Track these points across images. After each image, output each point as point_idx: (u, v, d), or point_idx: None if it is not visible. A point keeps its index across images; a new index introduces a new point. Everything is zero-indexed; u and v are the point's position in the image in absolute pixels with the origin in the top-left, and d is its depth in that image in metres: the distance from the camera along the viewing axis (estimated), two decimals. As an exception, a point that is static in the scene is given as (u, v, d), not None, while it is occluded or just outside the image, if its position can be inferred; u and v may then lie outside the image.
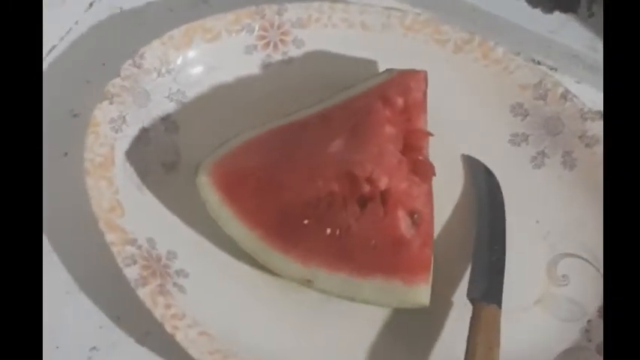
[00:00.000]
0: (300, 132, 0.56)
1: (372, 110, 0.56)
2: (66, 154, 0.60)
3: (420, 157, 0.55)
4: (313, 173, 0.53)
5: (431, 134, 0.57)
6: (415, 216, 0.52)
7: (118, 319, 0.55)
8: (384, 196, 0.52)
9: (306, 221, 0.52)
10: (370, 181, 0.52)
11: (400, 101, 0.56)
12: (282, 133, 0.57)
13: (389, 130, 0.54)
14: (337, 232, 0.52)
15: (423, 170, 0.54)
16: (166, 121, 0.61)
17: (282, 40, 0.64)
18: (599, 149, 0.60)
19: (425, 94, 0.58)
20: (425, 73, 0.59)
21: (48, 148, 0.59)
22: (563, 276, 0.58)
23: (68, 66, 0.66)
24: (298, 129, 0.57)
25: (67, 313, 0.55)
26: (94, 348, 0.54)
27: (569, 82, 0.66)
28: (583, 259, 0.59)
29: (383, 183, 0.52)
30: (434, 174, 0.56)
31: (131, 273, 0.52)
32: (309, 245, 0.53)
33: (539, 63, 0.69)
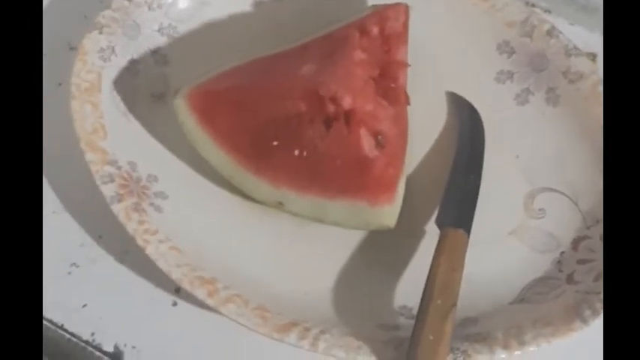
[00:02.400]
0: (279, 60, 0.57)
1: (348, 38, 0.56)
2: (60, 84, 0.62)
3: (393, 85, 0.56)
4: (282, 94, 0.54)
5: (408, 65, 0.58)
6: (379, 137, 0.53)
7: (99, 238, 0.57)
8: (348, 116, 0.52)
9: (275, 142, 0.54)
10: (334, 100, 0.52)
11: (376, 30, 0.57)
12: (262, 62, 0.58)
13: (359, 55, 0.55)
14: (304, 153, 0.53)
15: (393, 96, 0.55)
16: (156, 54, 0.63)
17: (274, -23, 0.66)
18: (583, 85, 0.60)
19: (405, 26, 0.59)
20: (405, 5, 0.60)
21: (45, 78, 0.62)
22: (540, 209, 0.58)
23: (67, 2, 0.68)
24: (278, 57, 0.58)
25: (51, 231, 0.56)
26: (74, 264, 0.56)
27: (562, 24, 0.67)
28: (561, 193, 0.59)
29: (346, 103, 0.52)
30: (408, 102, 0.57)
31: (107, 190, 0.53)
32: (278, 167, 0.54)
33: (533, 5, 0.68)
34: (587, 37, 0.64)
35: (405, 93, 0.57)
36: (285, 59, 0.57)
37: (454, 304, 0.49)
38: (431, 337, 0.47)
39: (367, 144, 0.53)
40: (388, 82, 0.56)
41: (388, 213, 0.53)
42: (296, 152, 0.53)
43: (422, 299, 0.50)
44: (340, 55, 0.55)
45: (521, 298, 0.54)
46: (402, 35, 0.59)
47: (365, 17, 0.59)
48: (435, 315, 0.49)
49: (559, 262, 0.56)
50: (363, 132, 0.52)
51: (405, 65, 0.58)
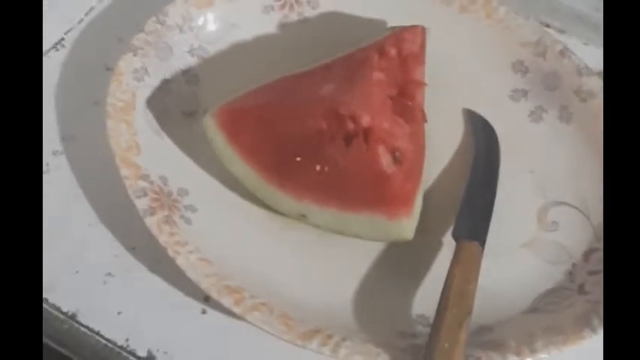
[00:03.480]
0: (303, 79, 0.60)
1: (367, 60, 0.59)
2: (97, 102, 0.65)
3: (410, 103, 0.58)
4: (305, 112, 0.57)
5: (425, 84, 0.61)
6: (397, 154, 0.56)
7: (133, 249, 0.59)
8: (367, 134, 0.55)
9: (298, 158, 0.56)
10: (354, 119, 0.55)
11: (394, 51, 0.60)
12: (287, 82, 0.61)
13: (377, 75, 0.58)
14: (325, 168, 0.56)
15: (409, 114, 0.58)
16: (187, 73, 0.66)
17: (297, 1, 0.69)
18: (594, 103, 0.63)
19: (422, 47, 0.62)
20: (422, 27, 0.62)
21: (81, 97, 0.66)
22: (553, 222, 0.61)
23: (104, 25, 0.71)
24: (301, 78, 0.61)
25: (87, 243, 0.60)
26: (109, 274, 0.59)
27: (576, 44, 0.69)
28: (573, 207, 0.61)
29: (365, 121, 0.55)
30: (425, 120, 0.59)
31: (141, 204, 0.56)
32: (301, 181, 0.57)
33: (547, 26, 0.71)
34: (601, 56, 0.66)
35: (422, 111, 0.59)
36: (307, 79, 0.60)
37: (469, 313, 0.52)
38: (446, 345, 0.50)
39: (385, 160, 0.55)
40: (406, 100, 0.59)
41: (406, 226, 0.55)
42: (317, 168, 0.56)
43: (438, 308, 0.52)
44: (360, 75, 0.58)
45: (534, 308, 0.56)
46: (419, 56, 0.61)
47: (383, 39, 0.61)
48: (451, 323, 0.51)
49: (570, 273, 0.58)
50: (381, 149, 0.55)
51: (422, 84, 0.61)
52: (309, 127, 0.56)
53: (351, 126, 0.55)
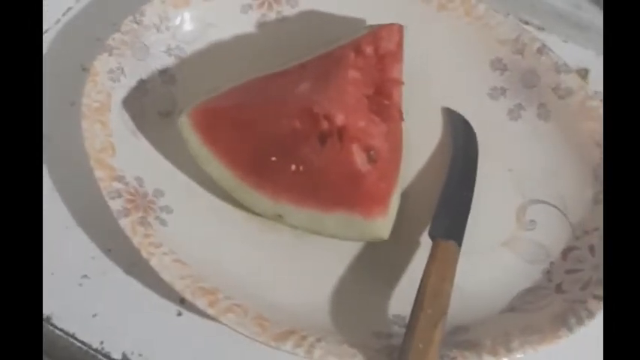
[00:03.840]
0: (278, 79, 0.60)
1: (343, 58, 0.59)
2: (73, 103, 0.65)
3: (386, 102, 0.58)
4: (279, 112, 0.56)
5: (402, 83, 0.60)
6: (371, 152, 0.55)
7: (108, 251, 0.59)
8: (341, 133, 0.55)
9: (273, 158, 0.56)
10: (328, 117, 0.55)
11: (370, 50, 0.60)
12: (262, 81, 0.60)
13: (353, 74, 0.58)
14: (301, 167, 0.55)
15: (385, 112, 0.57)
16: (164, 74, 0.65)
17: (276, 0, 0.68)
18: (572, 101, 0.63)
19: (399, 45, 0.62)
20: (399, 25, 0.62)
21: (58, 98, 0.65)
22: (531, 221, 0.60)
23: (81, 25, 0.71)
24: (277, 77, 0.60)
25: (63, 245, 0.59)
26: (85, 276, 0.58)
27: (556, 41, 0.69)
28: (551, 205, 0.61)
29: (339, 120, 0.55)
30: (402, 119, 0.59)
31: (115, 205, 0.56)
32: (277, 181, 0.56)
33: (527, 23, 0.71)
34: (581, 53, 0.66)
35: (399, 109, 0.59)
36: (283, 78, 0.60)
37: (444, 313, 0.51)
38: (420, 346, 0.49)
39: (359, 159, 0.55)
40: (382, 99, 0.59)
41: (381, 225, 0.55)
42: (293, 167, 0.56)
43: (412, 309, 0.52)
44: (335, 74, 0.58)
45: (512, 307, 0.56)
46: (397, 54, 0.61)
47: (360, 37, 0.61)
48: (425, 324, 0.50)
49: (548, 272, 0.58)
50: (356, 148, 0.55)
51: (399, 83, 0.60)
52: (283, 126, 0.56)
53: (325, 125, 0.55)
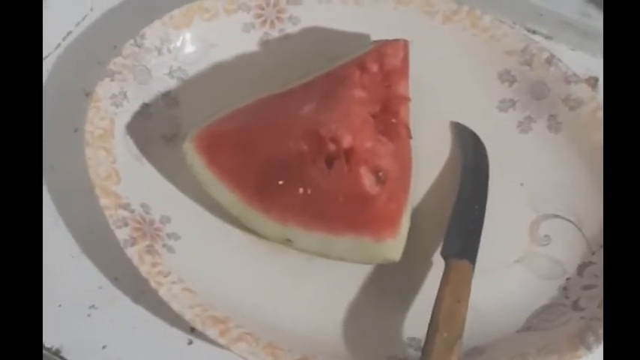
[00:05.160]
0: (283, 99, 0.59)
1: (348, 77, 0.58)
2: (76, 130, 0.64)
3: (393, 120, 0.57)
4: (285, 134, 0.55)
5: (409, 99, 0.59)
6: (380, 174, 0.54)
7: (116, 280, 0.58)
8: (348, 154, 0.54)
9: (280, 181, 0.55)
10: (334, 140, 0.54)
11: (375, 67, 0.59)
12: (266, 102, 0.59)
13: (358, 93, 0.57)
14: (308, 190, 0.54)
15: (392, 131, 0.56)
16: (167, 96, 0.64)
17: (278, 18, 0.67)
18: (583, 111, 0.61)
19: (405, 61, 0.61)
20: (404, 41, 0.61)
21: (60, 125, 0.64)
22: (545, 236, 0.59)
23: (82, 49, 0.70)
24: (281, 98, 0.60)
25: (70, 275, 0.58)
26: (93, 306, 0.57)
27: (564, 50, 0.68)
28: (565, 219, 0.60)
29: (346, 141, 0.54)
30: (410, 136, 0.58)
31: (122, 234, 0.55)
32: (285, 205, 0.55)
33: (534, 32, 0.70)
34: (589, 62, 0.65)
35: (407, 127, 0.58)
36: (287, 98, 0.59)
37: (460, 336, 0.50)
38: (437, 370, 0.49)
39: (368, 181, 0.54)
40: (389, 117, 0.58)
41: (392, 247, 0.54)
42: (300, 190, 0.55)
43: (427, 332, 0.51)
44: (340, 93, 0.57)
45: (528, 326, 0.55)
46: (402, 70, 0.60)
47: (365, 54, 0.60)
48: (441, 348, 0.49)
49: (565, 288, 0.57)
50: (364, 169, 0.54)
51: (406, 99, 0.59)
52: (289, 149, 0.55)
53: (332, 147, 0.54)
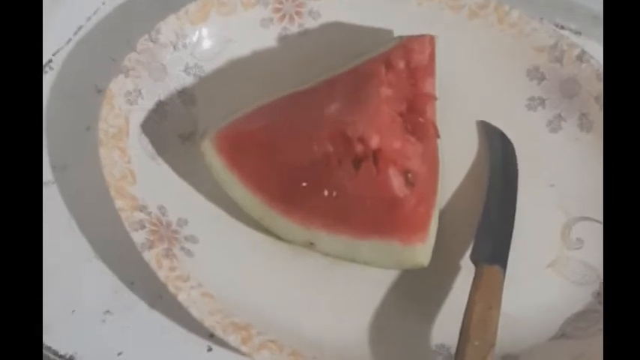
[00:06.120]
0: (306, 98, 0.57)
1: (374, 74, 0.56)
2: (88, 128, 0.62)
3: (421, 119, 0.55)
4: (309, 135, 0.53)
5: (436, 98, 0.57)
6: (409, 175, 0.52)
7: (132, 285, 0.56)
8: (376, 156, 0.52)
9: (304, 183, 0.53)
10: (362, 140, 0.52)
11: (402, 64, 0.57)
12: (289, 100, 0.57)
13: (385, 91, 0.55)
14: (334, 193, 0.53)
15: (420, 131, 0.54)
16: (183, 94, 0.62)
17: (297, 12, 0.65)
18: (616, 110, 0.59)
19: (432, 57, 0.59)
20: (431, 37, 0.59)
21: (72, 123, 0.62)
22: (578, 239, 0.58)
23: (94, 44, 0.68)
24: (304, 95, 0.58)
25: (83, 279, 0.56)
26: (107, 312, 0.55)
27: (594, 46, 0.65)
28: (598, 222, 0.58)
29: (374, 142, 0.52)
30: (437, 136, 0.56)
31: (138, 237, 0.53)
32: (308, 207, 0.54)
33: (562, 27, 0.68)
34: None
35: (434, 126, 0.56)
36: (310, 97, 0.57)
37: (492, 345, 0.49)
38: (469, 381, 0.47)
39: (396, 183, 0.52)
40: (416, 116, 0.56)
41: (421, 252, 0.52)
42: (325, 193, 0.53)
43: (459, 340, 0.49)
44: (366, 92, 0.55)
45: (562, 334, 0.53)
46: (429, 67, 0.58)
47: (390, 50, 0.58)
48: (473, 357, 0.48)
49: (599, 294, 0.55)
50: (392, 171, 0.52)
51: (433, 97, 0.57)
52: (314, 150, 0.53)
53: (359, 148, 0.52)
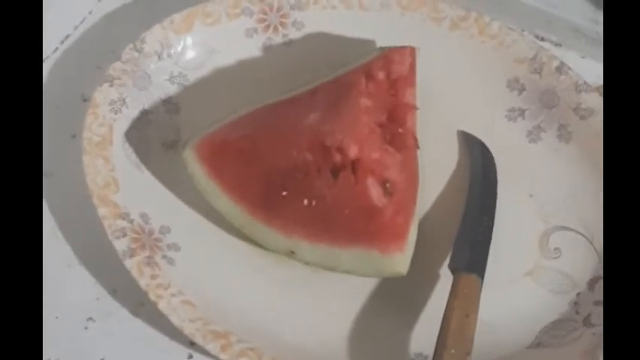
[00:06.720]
0: (287, 107, 0.58)
1: (354, 85, 0.56)
2: (74, 136, 0.63)
3: (400, 130, 0.56)
4: (289, 144, 0.54)
5: (416, 108, 0.58)
6: (387, 185, 0.53)
7: (114, 292, 0.57)
8: (355, 165, 0.52)
9: (284, 192, 0.54)
10: (340, 150, 0.52)
11: (382, 75, 0.57)
12: (270, 109, 0.58)
13: (365, 102, 0.55)
14: (313, 202, 0.53)
15: (399, 141, 0.55)
16: (167, 102, 0.63)
17: (281, 23, 0.66)
18: (594, 121, 0.60)
19: (412, 68, 0.59)
20: (412, 48, 0.59)
21: (58, 131, 0.63)
22: (555, 249, 0.58)
23: (81, 53, 0.68)
24: (286, 105, 0.58)
25: (67, 286, 0.57)
26: (90, 318, 0.56)
27: (574, 57, 0.66)
28: (576, 231, 0.58)
29: (353, 152, 0.52)
30: (417, 146, 0.56)
31: (120, 245, 0.54)
32: (289, 216, 0.54)
33: (542, 39, 0.68)
34: (599, 69, 0.63)
35: (414, 137, 0.57)
36: (292, 106, 0.57)
37: (469, 353, 0.49)
38: (445, 388, 0.47)
39: (375, 193, 0.53)
40: (396, 126, 0.56)
41: (399, 261, 0.53)
42: (305, 202, 0.53)
43: (436, 348, 0.50)
44: (345, 102, 0.55)
45: (538, 342, 0.54)
46: (409, 78, 0.59)
47: (371, 61, 0.59)
48: (449, 365, 0.48)
49: (575, 303, 0.55)
50: (371, 181, 0.52)
51: (413, 107, 0.58)
52: (294, 159, 0.53)
53: (338, 157, 0.53)
